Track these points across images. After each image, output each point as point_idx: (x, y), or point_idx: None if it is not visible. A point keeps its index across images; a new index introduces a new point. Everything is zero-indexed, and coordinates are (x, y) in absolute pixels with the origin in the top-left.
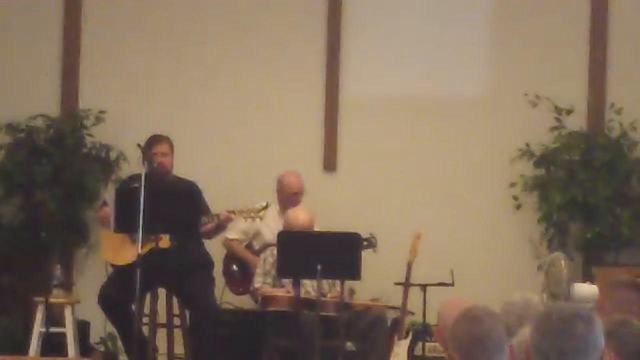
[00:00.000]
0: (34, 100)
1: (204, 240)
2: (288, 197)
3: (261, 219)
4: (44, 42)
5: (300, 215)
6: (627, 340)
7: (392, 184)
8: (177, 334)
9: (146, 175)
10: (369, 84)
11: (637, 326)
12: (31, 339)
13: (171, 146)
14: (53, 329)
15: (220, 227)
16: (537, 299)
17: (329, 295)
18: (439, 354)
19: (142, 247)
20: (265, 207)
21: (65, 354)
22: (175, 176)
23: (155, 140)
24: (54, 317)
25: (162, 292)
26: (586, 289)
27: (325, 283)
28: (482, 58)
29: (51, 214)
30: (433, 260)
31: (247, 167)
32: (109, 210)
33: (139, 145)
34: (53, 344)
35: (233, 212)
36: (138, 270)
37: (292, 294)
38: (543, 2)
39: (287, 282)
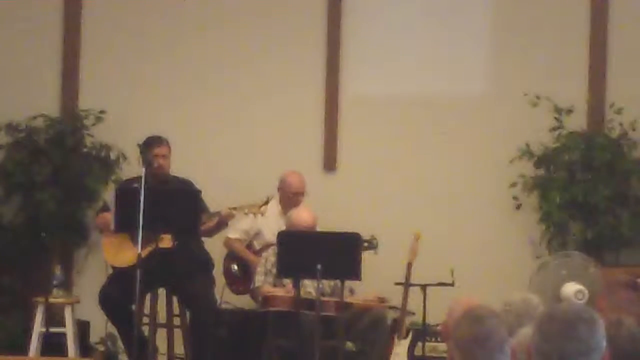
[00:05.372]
0: (34, 100)
1: (204, 240)
2: (289, 197)
3: (262, 214)
4: (44, 42)
5: (303, 215)
6: (619, 342)
7: (392, 184)
8: (177, 334)
9: (145, 175)
10: (369, 84)
11: (630, 327)
12: (31, 339)
13: (169, 148)
14: (53, 329)
15: (222, 224)
16: (537, 299)
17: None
18: (439, 354)
19: (142, 251)
20: (266, 203)
21: (65, 354)
22: (172, 176)
23: (155, 141)
24: (54, 317)
25: (162, 292)
26: (568, 289)
27: (326, 285)
28: (482, 58)
29: (51, 214)
30: (433, 260)
31: (247, 167)
32: (108, 216)
33: (139, 145)
34: (53, 344)
35: (234, 208)
36: (138, 271)
37: (292, 293)
38: (543, 3)
39: (288, 281)
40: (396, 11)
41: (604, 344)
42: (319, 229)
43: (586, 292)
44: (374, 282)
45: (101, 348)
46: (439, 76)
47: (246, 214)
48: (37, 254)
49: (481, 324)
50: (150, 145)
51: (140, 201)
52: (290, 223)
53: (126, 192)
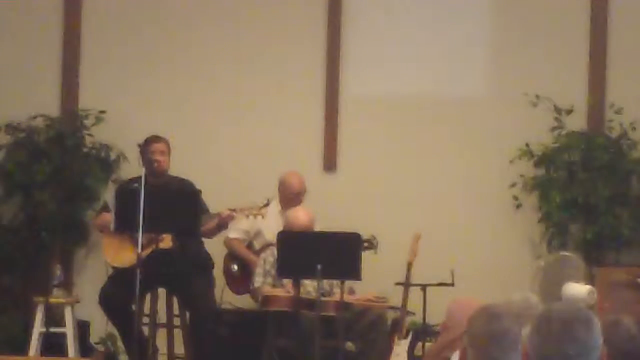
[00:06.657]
0: (34, 100)
1: (204, 240)
2: (289, 197)
3: (263, 216)
4: (44, 42)
5: (300, 216)
6: (618, 342)
7: (392, 184)
8: (177, 334)
9: (145, 175)
10: (369, 84)
11: (628, 327)
12: (31, 339)
13: (169, 146)
14: (53, 329)
15: (222, 225)
16: (536, 298)
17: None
18: None
19: (142, 251)
20: (267, 205)
21: (65, 354)
22: (172, 176)
23: (153, 139)
24: (54, 317)
25: (162, 292)
26: (577, 289)
27: (325, 283)
28: (482, 58)
29: (51, 214)
30: (433, 260)
31: (247, 167)
32: (107, 217)
33: (139, 145)
34: (53, 344)
35: (234, 210)
36: (138, 271)
37: (292, 293)
38: (543, 2)
39: (287, 281)
40: (396, 11)
41: (601, 341)
42: (319, 228)
43: (596, 292)
44: (374, 282)
45: (101, 348)
46: (439, 76)
47: (246, 216)
48: (37, 254)
49: (499, 321)
50: (149, 143)
51: (140, 201)
52: (287, 223)
53: (126, 192)
